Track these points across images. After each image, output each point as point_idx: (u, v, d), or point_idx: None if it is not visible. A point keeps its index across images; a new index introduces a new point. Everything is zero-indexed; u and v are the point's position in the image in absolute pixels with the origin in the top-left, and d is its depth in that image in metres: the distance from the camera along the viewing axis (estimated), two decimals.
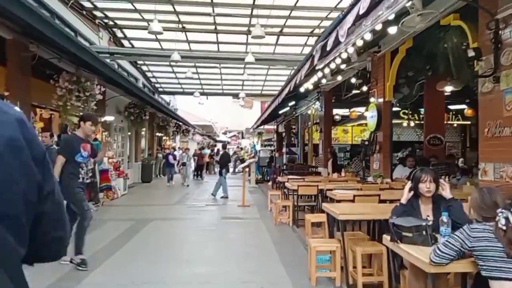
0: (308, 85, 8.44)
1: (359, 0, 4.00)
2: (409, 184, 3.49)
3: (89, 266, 4.95)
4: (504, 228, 2.31)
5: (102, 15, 11.83)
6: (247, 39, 13.09)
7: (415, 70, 7.95)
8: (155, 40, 13.20)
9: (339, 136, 17.79)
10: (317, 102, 13.63)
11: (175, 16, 11.28)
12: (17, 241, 0.87)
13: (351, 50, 5.20)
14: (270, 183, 17.56)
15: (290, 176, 10.73)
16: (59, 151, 5.16)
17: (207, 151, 26.75)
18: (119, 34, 13.51)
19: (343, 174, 10.25)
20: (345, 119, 16.69)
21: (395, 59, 7.56)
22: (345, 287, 4.41)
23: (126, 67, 15.74)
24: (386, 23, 4.81)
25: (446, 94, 9.11)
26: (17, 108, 0.97)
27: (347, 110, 15.40)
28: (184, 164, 17.59)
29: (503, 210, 2.36)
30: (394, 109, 9.66)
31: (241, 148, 31.15)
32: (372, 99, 8.30)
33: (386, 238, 3.12)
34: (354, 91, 11.27)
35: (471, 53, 4.51)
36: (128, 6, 10.64)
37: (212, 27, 12.26)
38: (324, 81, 8.47)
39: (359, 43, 4.85)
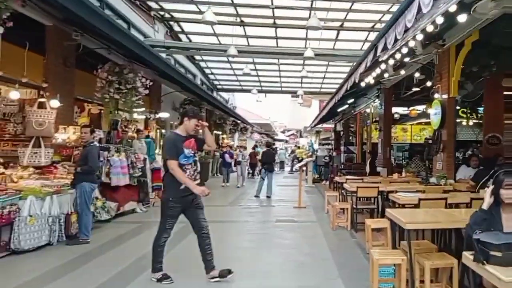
0: (370, 79, 7.89)
1: None
2: (490, 188, 2.97)
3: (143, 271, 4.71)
4: None
5: (158, 7, 11.68)
6: (306, 34, 12.72)
7: (479, 66, 7.25)
8: (212, 34, 13.19)
9: (398, 135, 17.55)
10: (377, 100, 12.97)
11: (232, 8, 11.06)
12: None
13: (419, 37, 4.67)
14: (327, 182, 17.06)
15: (348, 177, 10.27)
16: (168, 156, 4.39)
17: (260, 150, 26.48)
18: (176, 28, 13.51)
19: (403, 174, 9.66)
20: (404, 118, 16.40)
21: (461, 53, 7.02)
22: None
23: (184, 63, 15.86)
24: (457, 10, 4.26)
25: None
26: None
27: (406, 108, 15.13)
28: (239, 163, 17.17)
29: None
30: None
31: (299, 147, 30.68)
32: (436, 95, 7.72)
33: (468, 256, 2.62)
34: (414, 89, 10.60)
35: None
36: None
37: (271, 20, 12.00)
38: (386, 75, 7.88)
39: (429, 28, 4.31)
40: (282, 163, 29.42)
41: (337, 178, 10.72)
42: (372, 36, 11.72)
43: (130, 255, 5.49)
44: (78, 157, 6.73)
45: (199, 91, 14.05)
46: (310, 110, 30.33)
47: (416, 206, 5.25)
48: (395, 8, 9.40)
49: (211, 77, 20.34)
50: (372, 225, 5.72)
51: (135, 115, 9.83)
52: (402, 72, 8.78)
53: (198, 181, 4.60)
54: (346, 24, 11.82)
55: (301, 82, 19.73)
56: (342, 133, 21.52)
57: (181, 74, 11.90)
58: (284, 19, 11.85)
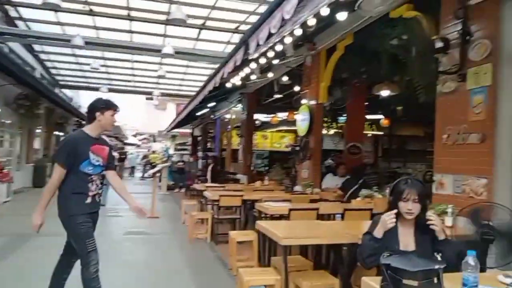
0: (237, 80, 7.40)
1: None
2: (390, 200, 2.60)
3: None
4: None
5: None
6: (165, 31, 11.72)
7: (350, 72, 7.37)
8: (56, 23, 11.23)
9: (258, 142, 17.48)
10: (239, 105, 12.74)
11: None
12: None
13: (298, 32, 4.26)
14: (182, 189, 16.21)
15: (208, 184, 9.69)
16: (54, 158, 3.35)
17: None
18: (14, 14, 11.22)
19: (266, 182, 9.46)
20: (265, 125, 16.52)
21: (332, 57, 6.92)
22: None
23: (21, 54, 13.34)
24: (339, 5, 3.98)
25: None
26: None
27: (268, 115, 15.18)
28: None
29: None
30: None
31: (154, 151, 29.23)
32: (304, 101, 7.56)
33: (370, 284, 2.11)
34: (277, 96, 10.56)
35: (438, 44, 3.79)
36: None
37: (125, 12, 10.65)
38: (253, 77, 7.50)
39: (311, 22, 3.91)
40: (133, 169, 28.34)
41: (195, 186, 10.02)
42: (236, 38, 11.37)
43: None
44: None
45: (38, 85, 12.08)
46: (166, 113, 29.43)
47: (285, 217, 4.86)
48: (262, 9, 9.11)
49: (53, 71, 17.69)
50: (237, 238, 5.17)
51: None
52: (270, 75, 8.52)
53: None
54: (208, 23, 11.20)
55: (158, 83, 18.54)
56: (200, 138, 21.04)
57: (16, 63, 9.96)
58: (140, 11, 10.62)
